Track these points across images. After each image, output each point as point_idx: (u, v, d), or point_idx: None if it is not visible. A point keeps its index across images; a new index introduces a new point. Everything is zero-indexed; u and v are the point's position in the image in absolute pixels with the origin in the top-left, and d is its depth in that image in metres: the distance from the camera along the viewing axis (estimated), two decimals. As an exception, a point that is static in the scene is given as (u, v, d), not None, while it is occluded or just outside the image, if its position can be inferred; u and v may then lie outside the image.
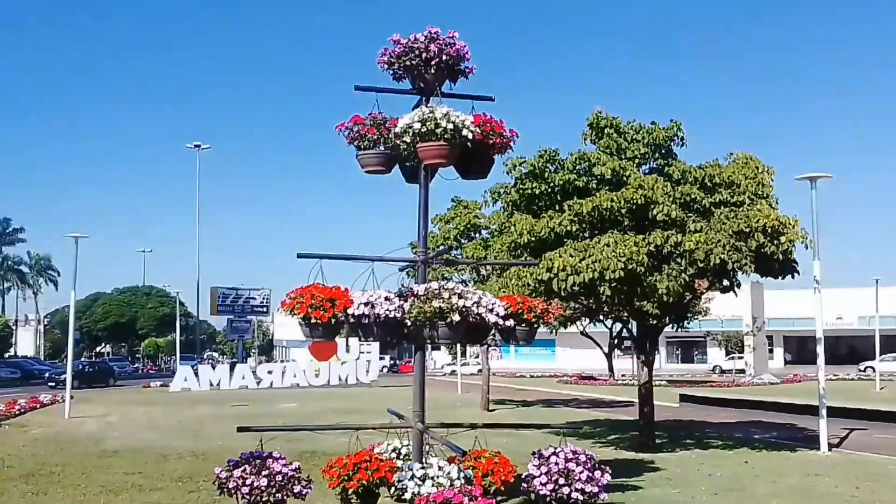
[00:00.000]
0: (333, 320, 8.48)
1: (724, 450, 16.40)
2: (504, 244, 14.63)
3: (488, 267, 20.90)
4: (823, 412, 16.02)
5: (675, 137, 14.92)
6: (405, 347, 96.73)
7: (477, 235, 27.05)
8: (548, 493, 8.97)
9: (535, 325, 8.89)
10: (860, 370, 61.84)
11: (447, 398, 34.26)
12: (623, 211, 13.67)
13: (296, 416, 24.84)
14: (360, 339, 9.12)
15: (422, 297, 8.23)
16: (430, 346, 9.27)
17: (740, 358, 68.86)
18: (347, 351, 44.31)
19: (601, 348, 56.43)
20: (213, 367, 46.18)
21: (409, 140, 8.65)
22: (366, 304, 8.57)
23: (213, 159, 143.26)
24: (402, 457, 9.37)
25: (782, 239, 12.85)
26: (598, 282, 12.81)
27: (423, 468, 8.36)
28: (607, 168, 14.22)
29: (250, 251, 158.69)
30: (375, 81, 9.22)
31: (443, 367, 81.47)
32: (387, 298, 8.63)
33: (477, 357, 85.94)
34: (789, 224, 13.00)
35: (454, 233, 26.49)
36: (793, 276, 13.74)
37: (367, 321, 8.57)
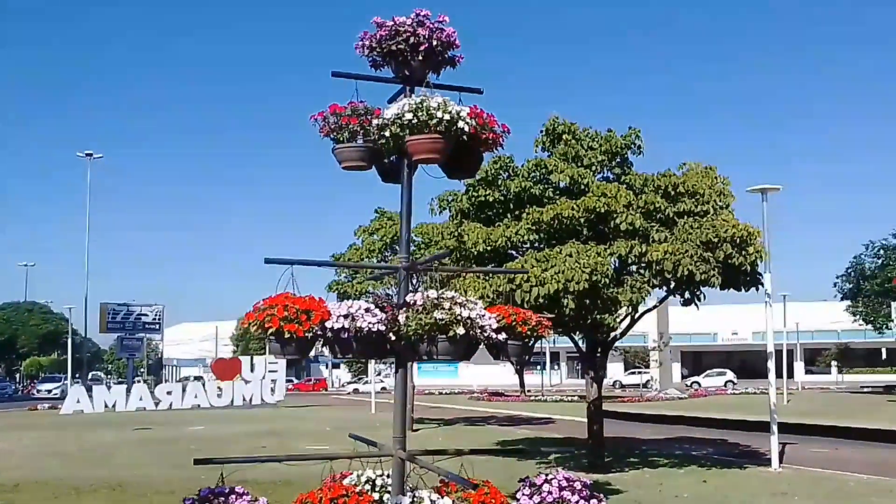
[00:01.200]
0: (310, 335, 7.36)
1: (672, 468, 15.94)
2: (449, 250, 13.71)
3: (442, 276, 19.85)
4: (774, 428, 15.79)
5: (633, 145, 14.42)
6: (303, 366, 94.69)
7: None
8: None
9: (528, 341, 8.00)
10: (687, 385, 64.07)
11: (363, 418, 33.08)
12: (582, 220, 13.03)
13: (206, 439, 23.18)
14: (335, 356, 8.00)
15: (420, 308, 7.22)
16: (413, 363, 8.24)
17: (641, 373, 70.19)
18: (252, 370, 42.31)
19: (512, 364, 56.19)
20: (109, 388, 43.31)
21: (394, 132, 7.66)
22: (345, 317, 7.49)
23: (106, 169, 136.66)
24: (377, 489, 8.29)
25: (750, 250, 12.46)
26: (562, 293, 12.09)
27: (413, 502, 7.34)
28: (565, 175, 13.58)
29: (143, 266, 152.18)
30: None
31: (345, 385, 79.89)
32: (367, 310, 7.59)
33: (379, 374, 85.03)
34: (756, 234, 12.64)
35: (379, 245, 25.44)
36: (756, 289, 13.42)
37: (346, 335, 7.49)
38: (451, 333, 6.99)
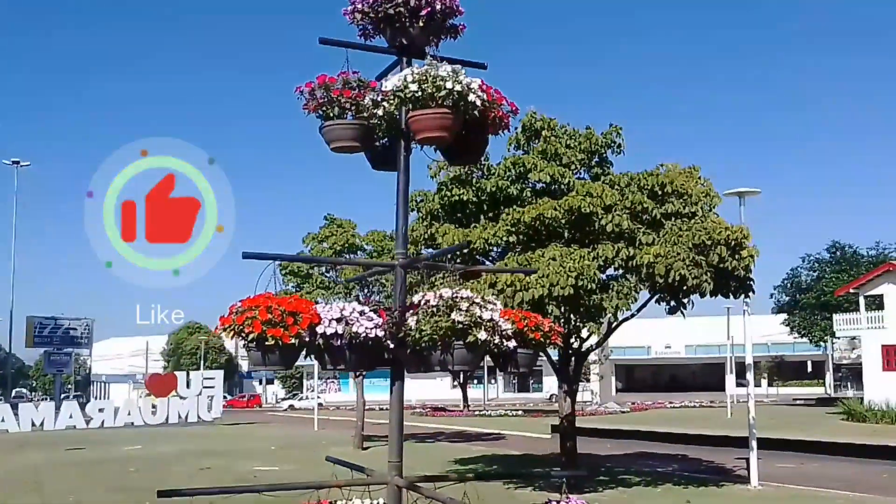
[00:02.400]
0: (297, 341, 6.29)
1: (647, 486, 15.22)
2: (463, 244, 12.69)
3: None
4: (754, 444, 15.17)
5: (613, 144, 13.68)
6: (236, 381, 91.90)
7: (354, 255, 24.98)
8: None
9: (539, 349, 7.04)
10: (547, 399, 64.64)
11: (308, 436, 31.68)
12: (565, 221, 12.19)
13: (145, 460, 21.59)
14: (324, 367, 6.89)
15: (434, 309, 6.20)
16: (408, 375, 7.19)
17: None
18: (188, 386, 40.43)
19: (456, 377, 55.31)
20: (37, 406, 40.82)
21: (392, 108, 6.66)
22: (338, 321, 6.45)
23: (35, 177, 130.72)
24: None
25: (743, 253, 11.79)
26: (546, 299, 11.21)
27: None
28: (545, 174, 12.75)
29: (71, 278, 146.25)
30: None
31: (280, 401, 77.69)
32: (362, 313, 6.55)
33: (314, 391, 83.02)
34: (750, 237, 11.98)
35: (329, 253, 24.27)
36: (747, 296, 12.76)
37: (339, 342, 6.44)
38: (470, 339, 6.00)
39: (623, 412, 47.63)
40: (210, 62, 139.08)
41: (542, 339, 6.76)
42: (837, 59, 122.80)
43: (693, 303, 12.72)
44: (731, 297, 12.86)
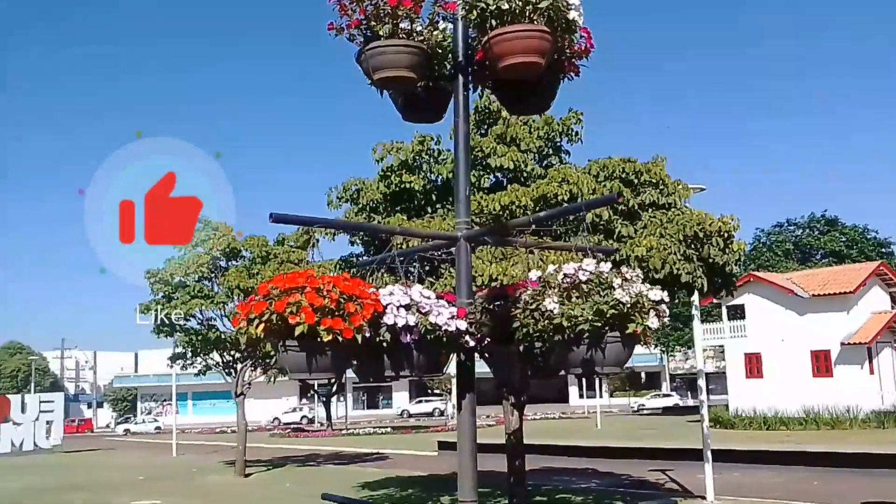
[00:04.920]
0: (360, 336, 4.52)
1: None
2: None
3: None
4: (708, 454, 14.25)
5: (570, 131, 12.44)
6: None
7: (235, 262, 22.55)
8: None
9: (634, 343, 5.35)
10: (399, 415, 66.47)
11: (170, 463, 28.55)
12: (538, 210, 10.77)
13: (-12, 499, 18.30)
14: (375, 377, 5.00)
15: (584, 286, 4.50)
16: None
17: (429, 401, 69.01)
18: (23, 411, 35.92)
19: (318, 395, 52.80)
20: None
21: (471, 23, 5.08)
22: (407, 308, 4.72)
23: None
24: None
25: (733, 247, 10.79)
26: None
27: None
28: (507, 160, 11.31)
29: None
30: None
31: (110, 425, 71.74)
32: (429, 298, 4.87)
33: (150, 413, 77.44)
34: (738, 228, 11.00)
35: (206, 259, 21.71)
36: (731, 294, 11.81)
37: (407, 338, 4.72)
38: (633, 327, 4.37)
39: (489, 425, 46.84)
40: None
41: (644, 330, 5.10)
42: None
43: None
44: (715, 294, 11.93)
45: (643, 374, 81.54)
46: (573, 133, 12.49)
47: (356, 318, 4.39)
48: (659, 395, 65.30)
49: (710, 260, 10.67)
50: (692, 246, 10.52)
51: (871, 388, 33.12)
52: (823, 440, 25.69)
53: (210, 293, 21.55)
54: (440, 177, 11.70)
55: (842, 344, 33.44)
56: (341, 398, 64.12)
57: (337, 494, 6.81)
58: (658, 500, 10.25)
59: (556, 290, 4.50)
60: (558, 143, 12.60)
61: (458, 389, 5.28)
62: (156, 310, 21.06)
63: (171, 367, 25.25)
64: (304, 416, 66.07)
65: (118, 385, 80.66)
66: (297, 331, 4.27)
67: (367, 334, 4.46)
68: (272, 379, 25.90)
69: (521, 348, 4.80)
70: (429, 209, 11.78)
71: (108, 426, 72.42)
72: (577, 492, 16.04)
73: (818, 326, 33.77)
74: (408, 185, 11.49)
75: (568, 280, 4.50)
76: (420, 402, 71.41)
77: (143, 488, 19.30)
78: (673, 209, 11.21)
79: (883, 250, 56.95)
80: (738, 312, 38.12)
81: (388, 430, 45.71)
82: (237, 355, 22.95)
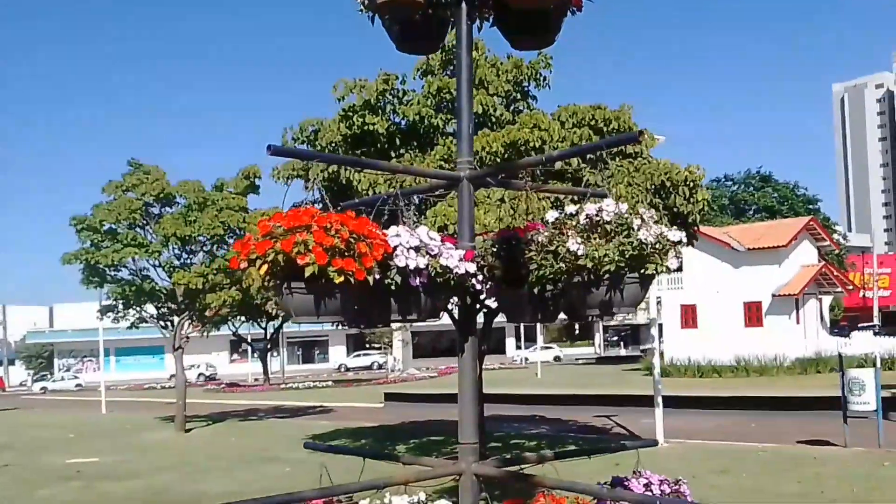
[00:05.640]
0: (371, 277, 4.21)
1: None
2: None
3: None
4: (659, 399, 14.47)
5: (538, 76, 12.16)
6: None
7: (169, 209, 21.69)
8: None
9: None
10: (336, 369, 66.98)
11: (101, 420, 27.82)
12: (507, 156, 10.53)
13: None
14: (379, 322, 4.69)
15: (598, 229, 4.28)
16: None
17: (367, 355, 69.00)
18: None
19: (254, 349, 52.05)
20: None
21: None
22: (417, 250, 4.44)
23: None
24: None
25: (698, 196, 10.72)
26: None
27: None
28: (476, 103, 10.96)
29: None
30: None
31: (25, 383, 69.17)
32: (436, 240, 4.58)
33: (68, 370, 74.87)
34: (703, 178, 10.93)
35: (138, 205, 20.84)
36: (691, 245, 11.74)
37: (416, 281, 4.43)
38: (652, 268, 4.17)
39: (432, 377, 47.13)
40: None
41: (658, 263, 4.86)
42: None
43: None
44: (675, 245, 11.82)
45: (577, 326, 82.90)
46: (541, 78, 12.20)
47: (367, 259, 4.07)
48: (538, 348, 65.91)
49: (675, 209, 10.62)
50: (659, 195, 10.43)
51: (796, 337, 34.37)
52: (754, 386, 26.60)
53: (144, 241, 20.69)
54: (405, 119, 11.31)
55: (773, 295, 34.47)
56: (275, 353, 63.63)
57: (319, 443, 6.54)
58: (638, 442, 10.29)
59: (576, 231, 4.28)
60: (526, 89, 12.30)
61: (460, 333, 5.03)
62: (85, 259, 20.07)
63: (101, 319, 24.04)
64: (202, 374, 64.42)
65: (32, 341, 77.16)
66: (307, 272, 3.95)
67: (377, 276, 4.18)
68: (206, 333, 25.25)
69: (535, 291, 4.57)
70: (392, 153, 11.39)
71: (22, 384, 69.86)
72: (530, 437, 16.15)
73: (751, 279, 34.73)
74: (370, 127, 11.07)
75: (587, 221, 4.27)
76: (358, 355, 71.18)
77: (75, 446, 18.68)
78: (640, 158, 11.09)
79: (811, 206, 58.74)
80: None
81: (329, 383, 45.48)
82: (174, 307, 22.21)
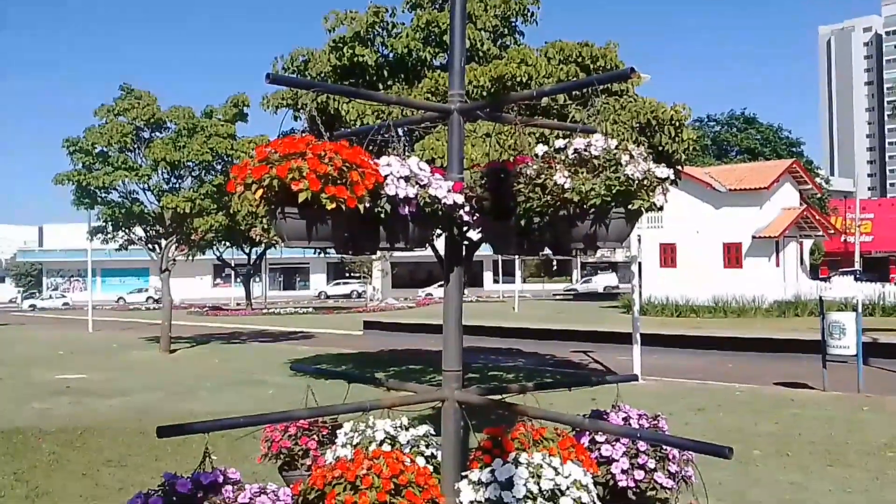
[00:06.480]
0: (362, 206, 4.37)
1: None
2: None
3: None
4: (637, 337, 14.80)
5: (525, 12, 12.11)
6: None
7: (159, 134, 21.66)
8: (633, 484, 5.89)
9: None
10: (316, 296, 68.16)
11: (89, 339, 28.09)
12: (493, 91, 10.58)
13: None
14: (365, 249, 4.86)
15: (586, 163, 4.45)
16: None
17: (347, 283, 69.45)
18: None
19: (238, 274, 52.30)
20: None
21: None
22: (406, 180, 4.59)
23: None
24: (412, 449, 5.55)
25: (683, 135, 10.84)
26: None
27: (532, 473, 4.74)
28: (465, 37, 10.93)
29: None
30: None
31: (15, 300, 69.54)
32: (425, 170, 4.72)
33: (56, 289, 75.23)
34: (689, 117, 11.02)
35: (130, 129, 20.80)
36: (675, 184, 11.89)
37: (405, 210, 4.60)
38: (638, 203, 4.35)
39: (410, 307, 47.63)
40: None
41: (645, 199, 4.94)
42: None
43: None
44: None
45: (555, 262, 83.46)
46: (529, 14, 12.16)
47: (359, 188, 4.21)
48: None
49: (661, 148, 10.74)
50: (644, 133, 10.55)
51: (775, 280, 34.82)
52: (731, 327, 27.06)
53: (134, 165, 20.73)
54: (394, 52, 11.29)
55: (753, 237, 34.84)
56: (257, 279, 63.85)
57: (307, 365, 6.79)
58: (619, 376, 10.62)
59: (563, 165, 4.43)
60: (514, 24, 12.26)
61: (446, 262, 5.22)
62: (77, 180, 20.14)
63: (91, 240, 24.40)
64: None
65: (22, 259, 77.67)
66: (301, 198, 4.09)
67: (367, 204, 4.32)
68: (191, 257, 25.41)
69: (522, 223, 4.73)
70: (380, 85, 11.41)
71: (11, 301, 70.28)
72: (507, 369, 16.51)
73: (732, 220, 35.04)
74: (360, 59, 11.05)
75: (576, 155, 4.42)
76: (338, 284, 71.68)
77: (64, 363, 18.97)
78: (626, 96, 11.16)
79: (794, 149, 58.86)
80: (655, 207, 39.07)
81: (310, 310, 45.93)
82: (161, 231, 22.35)
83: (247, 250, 46.37)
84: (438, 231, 5.21)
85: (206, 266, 68.72)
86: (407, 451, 5.36)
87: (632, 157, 4.37)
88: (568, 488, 4.58)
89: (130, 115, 20.80)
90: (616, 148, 4.37)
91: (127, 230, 22.42)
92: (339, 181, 4.17)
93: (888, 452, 8.75)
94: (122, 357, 20.51)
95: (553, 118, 10.65)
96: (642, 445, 6.14)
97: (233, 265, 51.30)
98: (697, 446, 3.97)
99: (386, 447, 5.34)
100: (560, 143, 4.59)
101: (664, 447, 6.16)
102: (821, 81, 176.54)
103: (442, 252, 5.29)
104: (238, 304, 51.94)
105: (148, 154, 20.64)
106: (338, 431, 5.86)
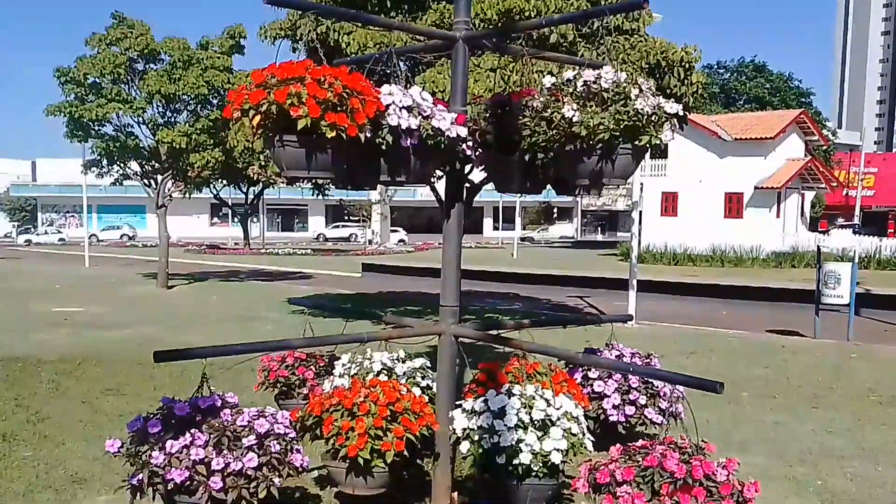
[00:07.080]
0: (363, 135, 4.32)
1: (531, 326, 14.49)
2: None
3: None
4: (634, 282, 14.82)
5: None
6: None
7: (153, 66, 21.30)
8: (623, 419, 5.99)
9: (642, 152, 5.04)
10: (314, 238, 68.24)
11: (86, 274, 28.08)
12: (500, 25, 10.37)
13: None
14: (364, 184, 4.78)
15: (595, 97, 4.39)
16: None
17: (346, 226, 69.38)
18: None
19: (235, 213, 52.16)
20: None
21: None
22: (409, 110, 4.52)
23: None
24: (408, 380, 5.62)
25: (693, 79, 10.65)
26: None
27: (524, 404, 4.80)
28: (471, -32, 10.69)
29: None
30: None
31: (10, 235, 69.46)
32: (428, 101, 4.65)
33: (52, 224, 75.09)
34: (699, 59, 10.83)
35: (123, 59, 20.44)
36: (682, 129, 11.74)
37: (407, 141, 4.54)
38: (646, 139, 4.28)
39: (409, 251, 47.65)
40: None
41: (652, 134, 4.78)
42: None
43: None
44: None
45: (556, 210, 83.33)
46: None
47: (360, 116, 4.14)
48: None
49: (669, 91, 10.55)
50: (653, 75, 10.37)
51: (775, 231, 34.81)
52: (728, 276, 27.15)
53: (128, 97, 20.43)
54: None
55: (755, 188, 34.72)
56: (255, 219, 63.80)
57: (302, 298, 6.78)
58: (613, 316, 10.65)
59: (572, 98, 4.35)
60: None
61: (446, 199, 5.19)
62: (69, 112, 19.85)
63: (86, 174, 24.03)
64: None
65: (15, 194, 77.13)
66: (300, 125, 4.02)
67: (368, 134, 4.25)
68: (188, 194, 25.27)
69: (527, 158, 4.67)
70: (383, 16, 11.18)
71: (6, 236, 70.22)
72: (504, 312, 16.56)
73: (735, 169, 34.85)
74: (362, -9, 10.82)
75: (584, 88, 4.34)
76: (337, 226, 71.67)
77: (62, 296, 18.98)
78: (636, 35, 10.95)
79: (803, 100, 58.24)
80: (660, 151, 38.87)
81: (308, 251, 45.95)
82: (157, 166, 22.14)
83: (244, 189, 46.17)
84: (439, 172, 5.16)
85: (204, 205, 68.52)
86: (403, 381, 5.43)
87: (641, 91, 4.34)
88: (559, 419, 4.66)
89: (123, 45, 20.35)
90: (626, 81, 4.31)
91: (122, 164, 22.17)
92: (339, 108, 4.10)
93: (871, 396, 8.88)
94: (119, 292, 20.54)
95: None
96: (634, 382, 6.23)
97: (230, 204, 51.18)
98: (689, 380, 3.99)
99: (383, 377, 5.41)
100: (569, 74, 4.52)
101: (655, 385, 6.26)
102: (836, 30, 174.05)
103: (442, 193, 5.23)
104: (236, 244, 51.96)
105: (142, 86, 20.31)
106: (335, 363, 5.92)
